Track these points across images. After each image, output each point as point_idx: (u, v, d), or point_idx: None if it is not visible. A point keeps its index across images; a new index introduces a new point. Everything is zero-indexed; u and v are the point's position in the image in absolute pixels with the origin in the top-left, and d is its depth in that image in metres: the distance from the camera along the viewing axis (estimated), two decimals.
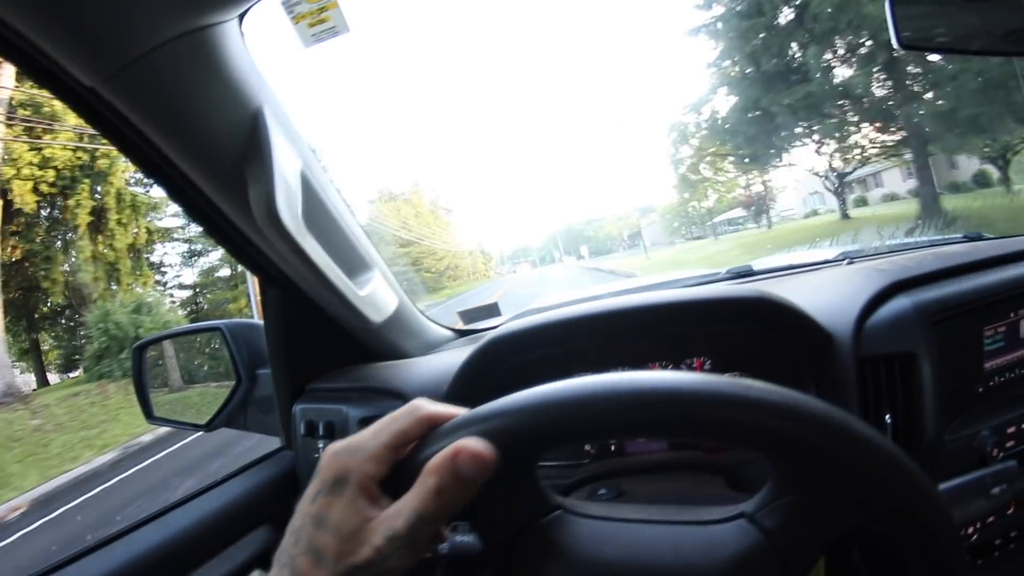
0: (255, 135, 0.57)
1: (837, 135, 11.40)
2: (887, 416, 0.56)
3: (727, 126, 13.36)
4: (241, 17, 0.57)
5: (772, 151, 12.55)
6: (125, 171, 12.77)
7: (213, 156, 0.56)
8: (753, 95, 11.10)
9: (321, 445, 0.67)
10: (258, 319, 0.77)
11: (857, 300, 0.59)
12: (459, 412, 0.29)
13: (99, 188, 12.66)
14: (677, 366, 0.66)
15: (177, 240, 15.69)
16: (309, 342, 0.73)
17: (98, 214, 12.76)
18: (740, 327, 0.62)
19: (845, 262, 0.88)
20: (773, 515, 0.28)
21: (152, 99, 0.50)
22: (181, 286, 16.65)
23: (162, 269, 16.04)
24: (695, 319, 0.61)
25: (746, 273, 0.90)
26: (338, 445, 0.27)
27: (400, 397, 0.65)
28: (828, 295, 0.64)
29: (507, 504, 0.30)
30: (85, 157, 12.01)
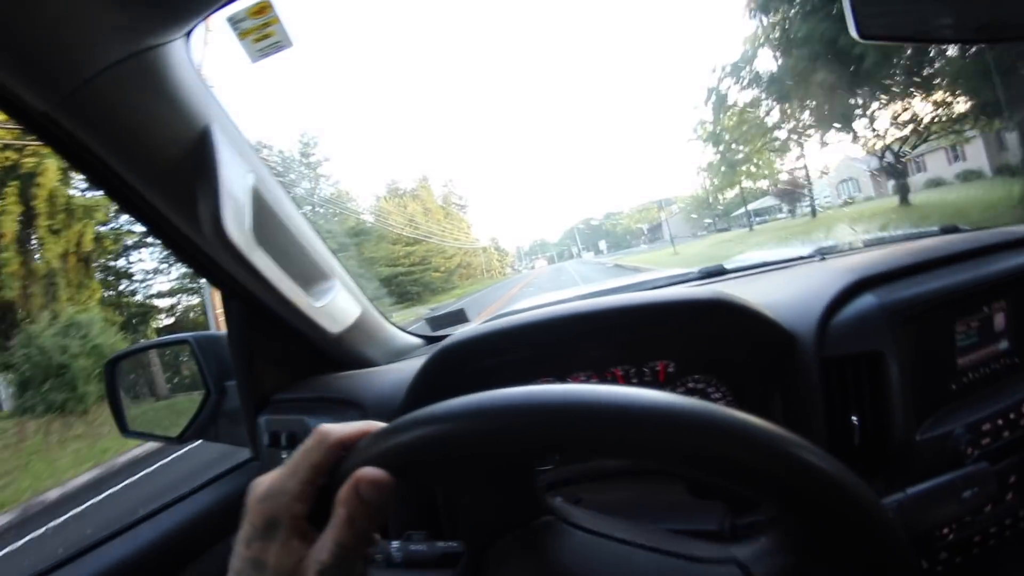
0: (203, 151, 0.57)
1: (901, 102, 10.12)
2: (853, 418, 0.55)
3: (778, 87, 11.97)
4: (188, 36, 0.58)
5: (830, 117, 11.11)
6: (60, 171, 10.72)
7: (164, 174, 0.57)
8: (812, 52, 9.76)
9: (284, 456, 0.67)
10: (215, 330, 0.77)
11: (821, 299, 0.58)
12: (367, 428, 0.29)
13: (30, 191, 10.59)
14: (640, 370, 0.66)
15: (146, 246, 13.42)
16: (272, 353, 0.74)
17: (29, 221, 10.88)
18: (701, 330, 0.61)
19: (818, 259, 0.87)
20: (766, 569, 0.27)
21: (102, 121, 0.51)
22: (150, 296, 14.18)
23: (132, 278, 13.84)
24: (652, 323, 0.60)
25: (717, 272, 0.90)
26: (260, 490, 0.28)
27: (359, 407, 0.65)
28: (794, 294, 0.63)
29: (497, 506, 0.30)
30: (14, 156, 10.22)
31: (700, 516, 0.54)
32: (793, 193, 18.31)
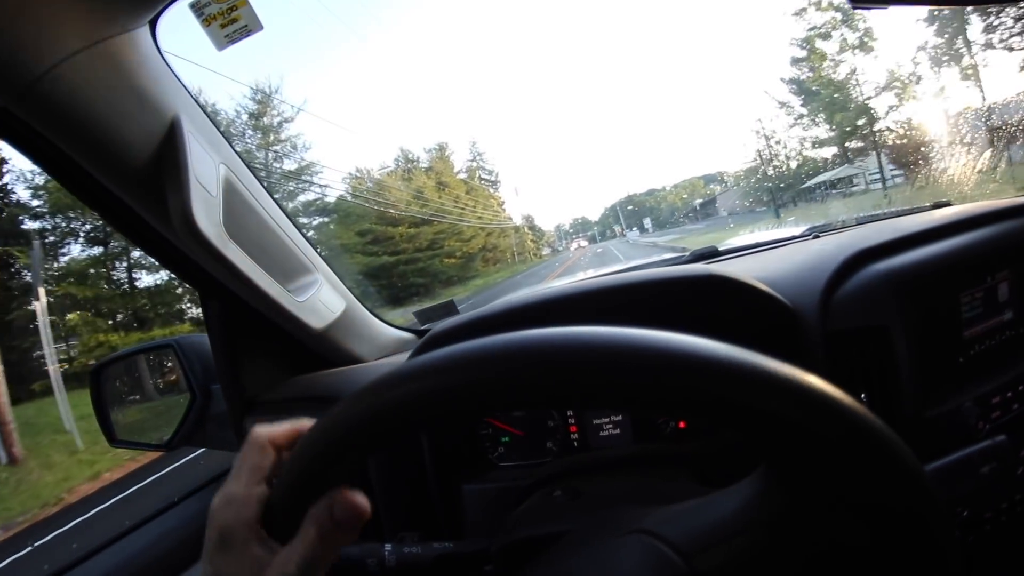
0: (171, 143, 0.55)
1: None
2: (862, 395, 0.54)
3: None
4: (153, 24, 0.55)
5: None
6: None
7: (131, 168, 0.54)
8: None
9: None
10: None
11: (822, 272, 0.56)
12: (298, 426, 0.30)
13: None
14: None
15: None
16: (256, 353, 0.71)
17: None
18: (698, 310, 0.59)
19: (811, 237, 0.86)
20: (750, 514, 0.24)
21: (63, 114, 0.49)
22: None
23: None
24: (646, 303, 0.59)
25: (710, 254, 0.88)
26: (217, 501, 0.29)
27: None
28: (791, 269, 0.61)
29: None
30: None
31: None
32: (901, 155, 12.54)
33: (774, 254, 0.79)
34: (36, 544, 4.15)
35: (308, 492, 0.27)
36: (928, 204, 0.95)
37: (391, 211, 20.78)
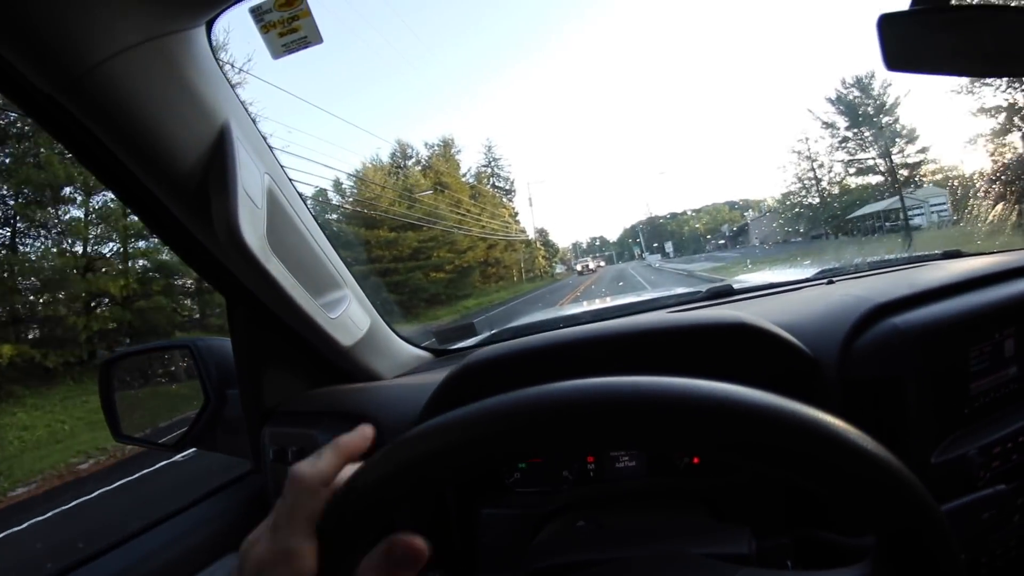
0: (219, 148, 0.54)
1: None
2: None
3: None
4: (209, 25, 0.54)
5: None
6: None
7: (175, 169, 0.53)
8: None
9: None
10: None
11: (843, 324, 0.58)
12: (337, 462, 0.29)
13: None
14: None
15: None
16: (278, 362, 0.71)
17: None
18: (723, 352, 0.61)
19: (825, 282, 0.88)
20: None
21: (111, 108, 0.48)
22: None
23: None
24: (675, 346, 0.60)
25: (725, 292, 0.90)
26: (263, 554, 0.27)
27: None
28: (812, 317, 0.63)
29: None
30: None
31: (724, 539, 0.54)
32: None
33: (792, 298, 0.81)
34: None
35: (365, 538, 0.26)
36: (939, 252, 0.98)
37: (368, 211, 17.37)
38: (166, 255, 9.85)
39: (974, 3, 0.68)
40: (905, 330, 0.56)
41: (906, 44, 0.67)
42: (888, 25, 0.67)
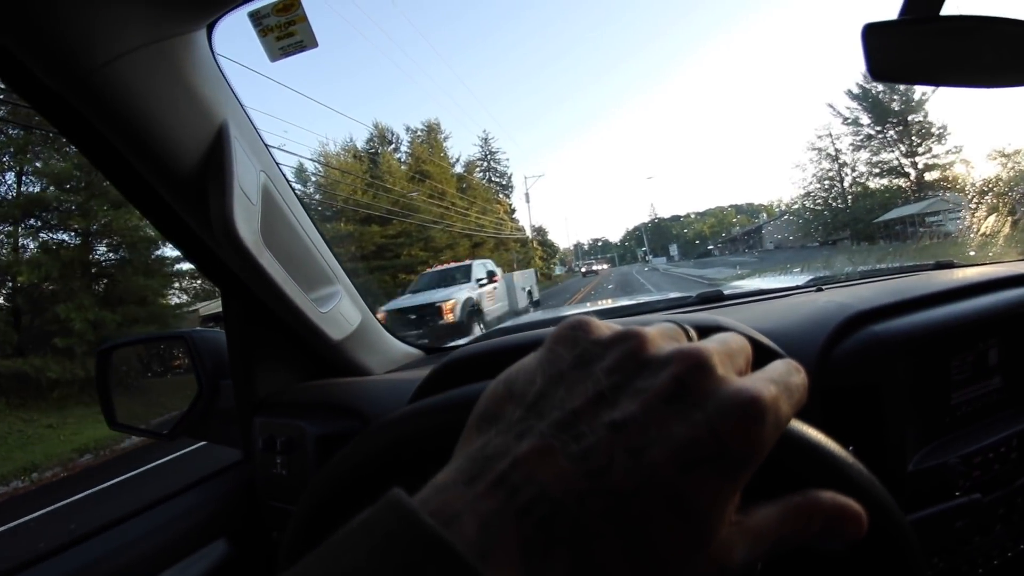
0: (217, 147, 0.56)
1: None
2: (849, 447, 0.56)
3: None
4: (210, 29, 0.57)
5: None
6: None
7: (174, 166, 0.56)
8: None
9: (279, 460, 0.66)
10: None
11: (823, 330, 0.59)
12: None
13: None
14: None
15: None
16: (270, 354, 0.72)
17: None
18: None
19: (814, 289, 0.89)
20: None
21: (116, 106, 0.50)
22: None
23: None
24: None
25: (716, 298, 0.90)
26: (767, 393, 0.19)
27: (359, 416, 0.64)
28: (794, 323, 0.64)
29: None
30: None
31: None
32: None
33: (778, 304, 0.82)
34: None
35: None
36: (931, 263, 0.98)
37: (326, 199, 14.55)
38: None
39: (962, 15, 0.69)
40: (885, 338, 0.56)
41: (891, 55, 0.68)
42: (873, 35, 0.68)
